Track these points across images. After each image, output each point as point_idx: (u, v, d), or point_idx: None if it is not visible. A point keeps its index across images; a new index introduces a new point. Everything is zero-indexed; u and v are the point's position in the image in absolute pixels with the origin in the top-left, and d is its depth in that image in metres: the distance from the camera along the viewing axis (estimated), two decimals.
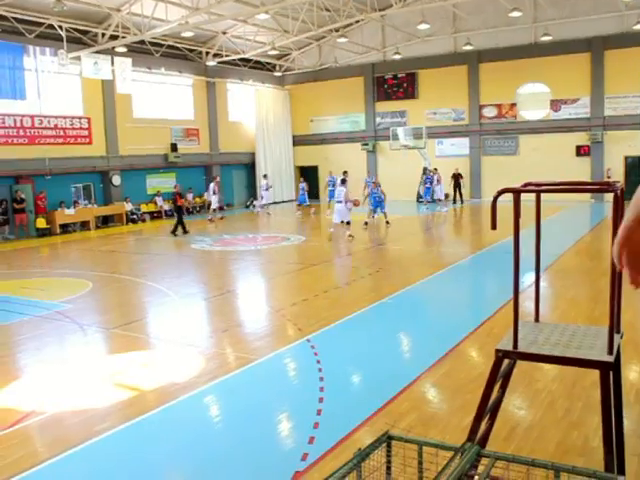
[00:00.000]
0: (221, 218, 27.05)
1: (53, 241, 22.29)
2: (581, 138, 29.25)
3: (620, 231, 1.04)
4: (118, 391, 6.82)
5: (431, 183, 28.84)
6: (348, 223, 18.77)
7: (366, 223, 21.91)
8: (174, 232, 22.09)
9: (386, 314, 9.77)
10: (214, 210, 26.71)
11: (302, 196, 28.80)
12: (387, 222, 22.18)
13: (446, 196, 30.49)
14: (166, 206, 29.32)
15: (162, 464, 5.22)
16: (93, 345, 8.77)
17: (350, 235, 18.61)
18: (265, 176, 30.18)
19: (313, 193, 33.21)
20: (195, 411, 6.24)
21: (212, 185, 26.92)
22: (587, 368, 3.81)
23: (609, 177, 27.96)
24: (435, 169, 29.80)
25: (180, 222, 22.25)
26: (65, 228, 24.64)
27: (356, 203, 19.19)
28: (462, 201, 30.22)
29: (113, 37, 24.62)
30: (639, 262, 1.06)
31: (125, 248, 20.13)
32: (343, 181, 19.46)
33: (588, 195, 27.88)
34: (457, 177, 30.44)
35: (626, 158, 28.41)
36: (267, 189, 29.06)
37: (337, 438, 5.41)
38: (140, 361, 7.84)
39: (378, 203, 22.02)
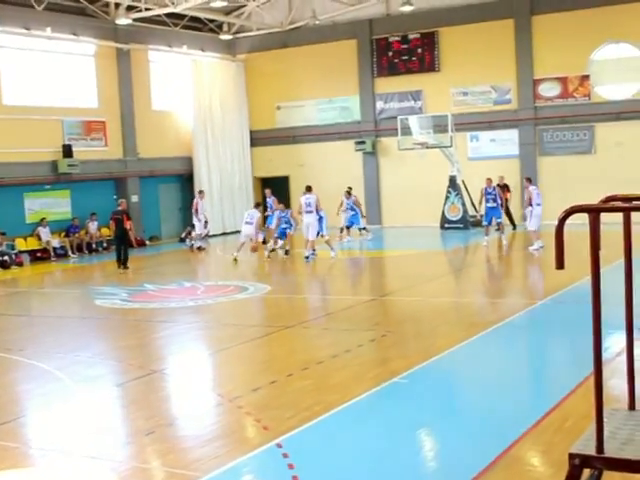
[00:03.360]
0: (199, 248, 29.83)
1: None
2: None
3: None
4: None
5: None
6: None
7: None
8: (125, 264, 24.63)
9: (400, 401, 9.72)
10: (201, 235, 30.01)
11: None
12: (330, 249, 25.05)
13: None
14: (55, 241, 29.22)
15: None
16: None
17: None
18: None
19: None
20: None
21: (200, 202, 29.65)
22: None
23: None
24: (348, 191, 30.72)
25: (126, 251, 24.79)
26: None
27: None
28: (514, 225, 30.50)
29: None
30: None
31: None
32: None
33: None
34: (503, 190, 30.69)
35: None
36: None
37: None
38: None
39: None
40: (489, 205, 25.73)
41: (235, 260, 25.10)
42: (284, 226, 26.55)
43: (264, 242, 26.59)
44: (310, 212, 24.48)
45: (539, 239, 23.56)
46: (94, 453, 8.45)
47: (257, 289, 19.58)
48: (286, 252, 26.29)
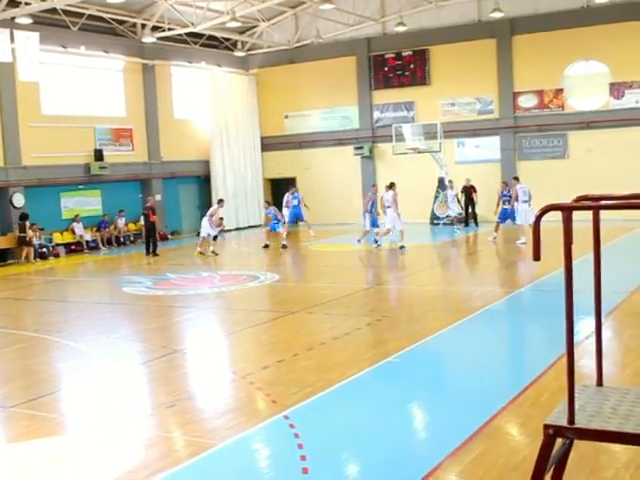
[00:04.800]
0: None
1: None
2: None
3: None
4: None
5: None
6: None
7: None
8: (154, 252, 25.92)
9: (393, 378, 9.72)
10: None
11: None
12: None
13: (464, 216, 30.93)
14: (87, 235, 29.25)
15: None
16: None
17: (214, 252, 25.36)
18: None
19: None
20: None
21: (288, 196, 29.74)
22: None
23: None
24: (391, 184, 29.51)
25: (154, 242, 26.23)
26: None
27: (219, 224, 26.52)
28: (476, 223, 30.48)
29: (13, 3, 24.68)
30: None
31: (31, 294, 19.95)
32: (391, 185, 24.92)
33: None
34: (468, 190, 30.75)
35: None
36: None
37: None
38: (51, 452, 7.70)
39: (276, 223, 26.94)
40: (505, 207, 25.04)
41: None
42: (274, 222, 26.81)
43: (214, 238, 26.16)
44: (389, 207, 24.39)
45: (524, 234, 23.26)
46: (120, 423, 8.48)
47: (267, 278, 19.57)
48: (283, 246, 26.14)
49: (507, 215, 25.07)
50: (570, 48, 30.48)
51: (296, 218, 29.98)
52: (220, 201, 27.34)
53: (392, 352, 10.89)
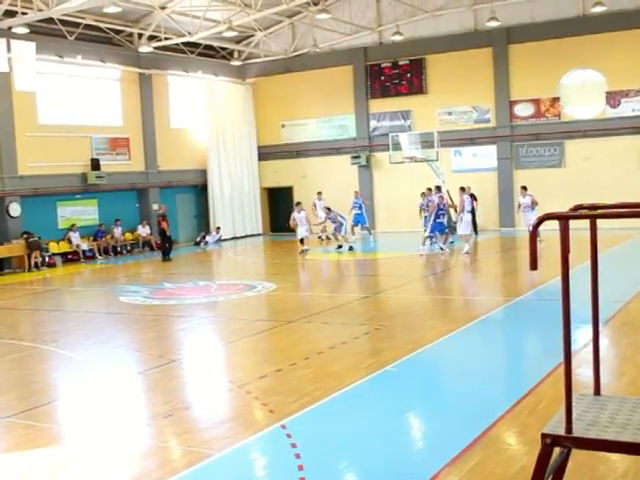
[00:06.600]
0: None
1: None
2: None
3: None
4: None
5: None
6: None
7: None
8: (167, 255, 27.66)
9: (391, 387, 9.71)
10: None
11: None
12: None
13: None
14: (84, 245, 29.22)
15: None
16: None
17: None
18: None
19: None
20: None
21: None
22: None
23: None
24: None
25: (164, 246, 27.80)
26: None
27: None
28: (476, 232, 30.46)
29: (9, 13, 24.73)
30: None
31: (27, 304, 19.89)
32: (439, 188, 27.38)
33: None
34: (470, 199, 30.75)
35: None
36: None
37: None
38: (48, 463, 7.68)
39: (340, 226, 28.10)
40: (355, 212, 29.44)
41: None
42: (334, 225, 27.94)
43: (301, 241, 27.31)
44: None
45: (467, 242, 24.12)
46: (117, 433, 8.46)
47: (264, 287, 19.56)
48: (339, 246, 27.47)
49: (359, 221, 29.40)
50: (566, 57, 30.57)
51: (358, 222, 31.55)
52: (298, 204, 28.82)
53: (390, 361, 10.88)
